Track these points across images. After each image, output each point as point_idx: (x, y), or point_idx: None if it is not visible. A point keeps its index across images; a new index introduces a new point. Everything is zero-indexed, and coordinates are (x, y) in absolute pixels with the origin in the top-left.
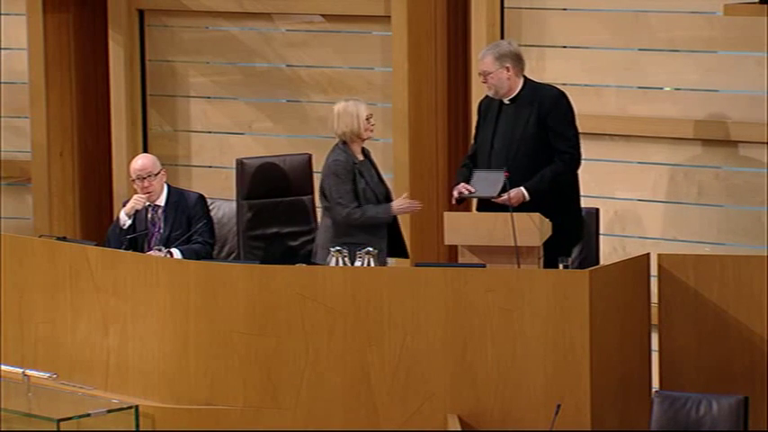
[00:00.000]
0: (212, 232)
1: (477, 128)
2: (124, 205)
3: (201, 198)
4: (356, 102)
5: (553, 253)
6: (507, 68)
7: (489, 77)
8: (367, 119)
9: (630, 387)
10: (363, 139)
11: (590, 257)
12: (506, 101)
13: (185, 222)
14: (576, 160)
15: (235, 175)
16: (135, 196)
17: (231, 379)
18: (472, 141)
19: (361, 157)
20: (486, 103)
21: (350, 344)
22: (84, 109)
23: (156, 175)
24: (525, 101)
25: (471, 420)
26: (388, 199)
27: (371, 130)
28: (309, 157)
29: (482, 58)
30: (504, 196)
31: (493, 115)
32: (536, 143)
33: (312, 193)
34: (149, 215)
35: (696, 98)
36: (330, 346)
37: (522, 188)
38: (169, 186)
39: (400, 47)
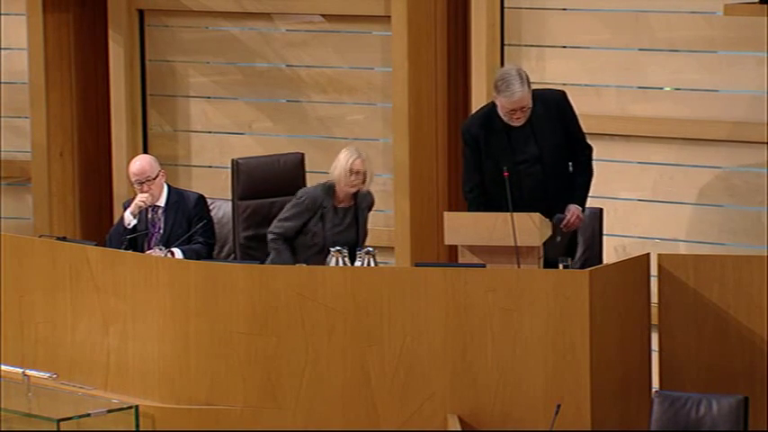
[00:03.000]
0: (213, 232)
1: (475, 157)
2: (125, 208)
3: (201, 198)
4: (351, 153)
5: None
6: None
7: (528, 110)
8: (353, 172)
9: (630, 387)
10: (347, 190)
11: (593, 258)
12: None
13: (185, 223)
14: (592, 151)
15: (230, 176)
16: (139, 196)
17: (231, 379)
18: (469, 173)
19: (344, 204)
20: (476, 131)
21: (350, 344)
22: (84, 109)
23: (155, 178)
24: (537, 112)
25: (471, 420)
26: (353, 248)
27: (353, 186)
28: (302, 156)
29: (521, 94)
30: (567, 218)
31: (501, 138)
32: (564, 148)
33: None
34: (149, 215)
35: (696, 98)
36: (330, 346)
37: (574, 206)
38: (169, 186)
39: (400, 47)
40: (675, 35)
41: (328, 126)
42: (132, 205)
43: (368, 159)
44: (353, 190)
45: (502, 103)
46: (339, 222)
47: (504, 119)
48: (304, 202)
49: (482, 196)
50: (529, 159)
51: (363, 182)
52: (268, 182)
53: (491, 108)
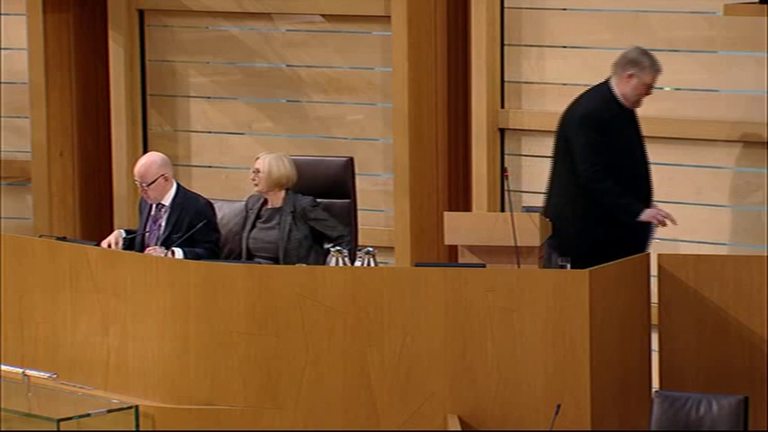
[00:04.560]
0: (217, 243)
1: (602, 140)
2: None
3: (208, 204)
4: (266, 154)
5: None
6: None
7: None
8: (252, 170)
9: (630, 387)
10: (280, 189)
11: None
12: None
13: (186, 226)
14: None
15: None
16: (111, 236)
17: (231, 379)
18: (598, 155)
19: (277, 203)
20: (607, 115)
21: (350, 344)
22: (84, 109)
23: (151, 184)
24: None
25: (471, 420)
26: (284, 252)
27: (253, 184)
28: (351, 159)
29: (659, 70)
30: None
31: (624, 124)
32: None
33: (351, 197)
34: (152, 212)
35: (696, 98)
36: (330, 345)
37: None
38: (178, 187)
39: (400, 47)
40: (675, 35)
41: (328, 126)
42: (103, 242)
43: (273, 159)
44: (255, 189)
45: (645, 80)
46: (263, 222)
47: (633, 99)
48: (243, 207)
49: (610, 176)
50: (643, 148)
51: (256, 183)
52: (316, 182)
53: (606, 91)
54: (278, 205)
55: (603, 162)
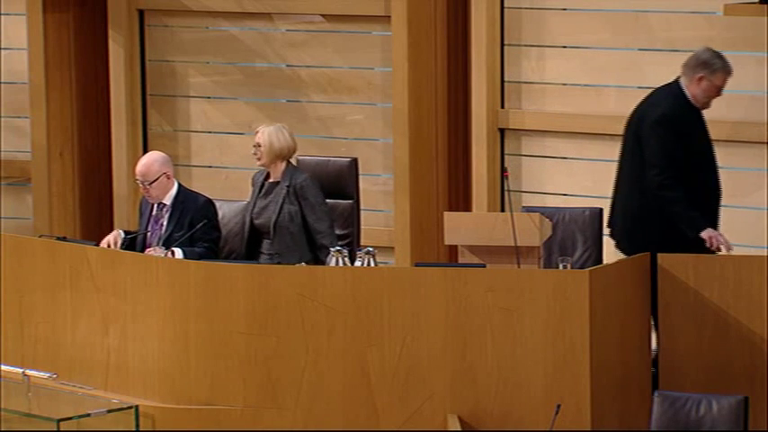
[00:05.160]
0: (217, 242)
1: (677, 144)
2: (141, 207)
3: (209, 202)
4: (265, 126)
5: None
6: None
7: None
8: (254, 144)
9: (630, 387)
10: (282, 160)
11: (593, 257)
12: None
13: (188, 224)
14: None
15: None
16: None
17: (231, 379)
18: (670, 159)
19: (277, 177)
20: (683, 117)
21: (350, 344)
22: (84, 109)
23: (152, 183)
24: None
25: (471, 420)
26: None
27: (255, 158)
28: (355, 160)
29: (730, 72)
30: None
31: (696, 126)
32: None
33: (354, 198)
34: (154, 212)
35: None
36: (330, 345)
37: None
38: (180, 186)
39: (400, 47)
40: (675, 35)
41: (328, 126)
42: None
43: (272, 131)
44: (258, 163)
45: (716, 82)
46: (263, 196)
47: (702, 101)
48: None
49: (681, 183)
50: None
51: (259, 156)
52: (321, 182)
53: (678, 92)
54: (278, 179)
55: (674, 168)
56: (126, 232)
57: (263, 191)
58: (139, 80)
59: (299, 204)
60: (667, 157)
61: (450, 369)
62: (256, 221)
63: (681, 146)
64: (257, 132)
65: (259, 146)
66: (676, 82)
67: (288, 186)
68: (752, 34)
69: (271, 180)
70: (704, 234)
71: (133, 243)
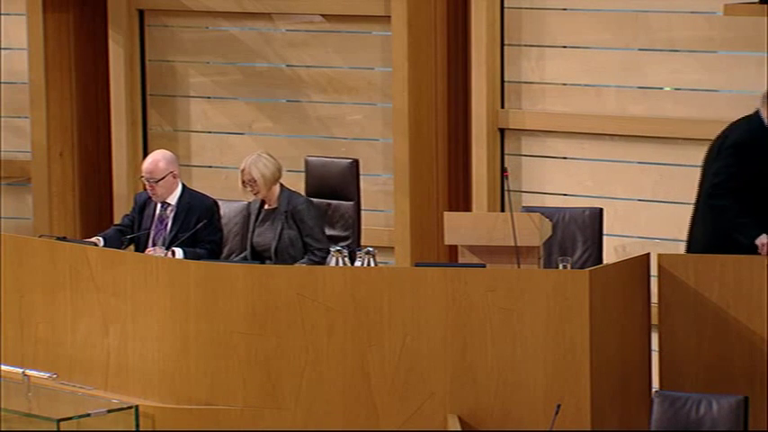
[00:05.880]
0: (219, 243)
1: (743, 168)
2: (135, 201)
3: (214, 204)
4: (243, 164)
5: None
6: None
7: None
8: (244, 184)
9: (630, 387)
10: (275, 183)
11: (593, 257)
12: None
13: (192, 226)
14: None
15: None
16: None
17: (231, 379)
18: (719, 177)
19: (273, 203)
20: (760, 144)
21: (350, 344)
22: (84, 109)
23: (159, 181)
24: None
25: (471, 420)
26: (275, 251)
27: (254, 194)
28: (356, 161)
29: None
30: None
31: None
32: None
33: (355, 199)
34: (158, 212)
35: (696, 98)
36: (330, 345)
37: None
38: (184, 187)
39: (400, 47)
40: (675, 35)
41: (328, 126)
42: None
43: (256, 163)
44: (256, 197)
45: None
46: (261, 224)
47: None
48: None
49: (735, 198)
50: None
51: (257, 191)
52: (324, 183)
53: (756, 122)
54: (274, 205)
55: (731, 185)
56: (121, 231)
57: (260, 218)
58: (139, 80)
59: (298, 228)
60: (724, 176)
61: (450, 369)
62: (257, 248)
63: (745, 171)
64: (242, 170)
65: (254, 181)
66: (756, 113)
67: (285, 212)
68: (752, 34)
69: (267, 207)
70: (758, 241)
71: (133, 241)
